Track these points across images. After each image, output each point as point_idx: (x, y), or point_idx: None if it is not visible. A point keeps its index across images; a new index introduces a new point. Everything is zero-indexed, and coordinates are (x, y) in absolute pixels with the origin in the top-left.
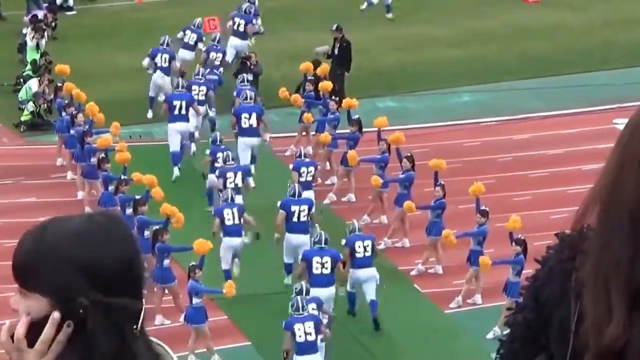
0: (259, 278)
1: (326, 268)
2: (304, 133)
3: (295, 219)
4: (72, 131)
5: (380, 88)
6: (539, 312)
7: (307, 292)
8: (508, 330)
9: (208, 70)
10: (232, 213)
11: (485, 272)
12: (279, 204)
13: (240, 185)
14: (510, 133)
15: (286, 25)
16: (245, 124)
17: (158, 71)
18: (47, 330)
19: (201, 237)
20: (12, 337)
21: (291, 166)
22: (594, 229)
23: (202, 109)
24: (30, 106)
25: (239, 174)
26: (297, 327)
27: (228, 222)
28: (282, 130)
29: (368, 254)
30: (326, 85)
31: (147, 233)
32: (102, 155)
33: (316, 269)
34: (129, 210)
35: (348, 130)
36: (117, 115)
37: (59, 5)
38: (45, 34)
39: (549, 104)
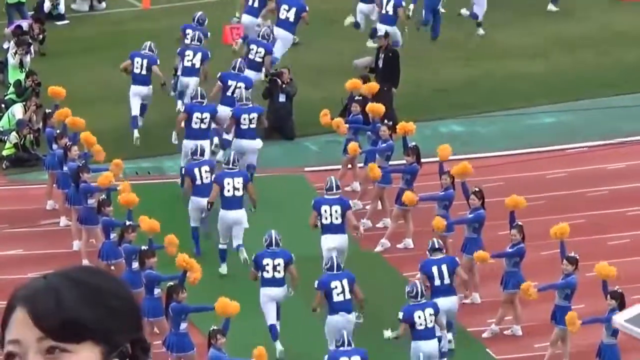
0: (295, 345)
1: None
2: (349, 166)
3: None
4: (65, 167)
5: (443, 108)
6: None
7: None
8: None
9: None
10: (141, 63)
11: (574, 333)
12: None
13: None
14: (604, 161)
15: (327, 33)
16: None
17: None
18: None
19: (223, 295)
20: None
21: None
22: None
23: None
24: (14, 137)
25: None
26: (227, 181)
27: (137, 70)
28: (322, 163)
29: None
30: (377, 107)
31: (157, 291)
32: (103, 196)
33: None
34: (135, 264)
35: (404, 162)
36: (119, 147)
37: (47, 14)
38: (31, 48)
39: None
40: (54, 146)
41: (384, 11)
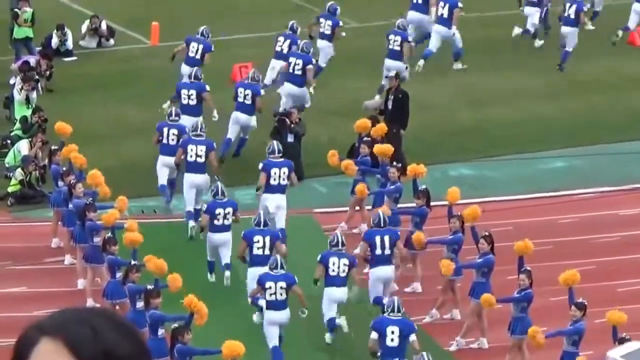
0: None
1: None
2: (357, 208)
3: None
4: (70, 205)
5: (452, 152)
6: None
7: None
8: None
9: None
10: (197, 47)
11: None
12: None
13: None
14: (615, 207)
15: (335, 73)
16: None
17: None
18: None
19: (230, 338)
20: None
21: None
22: None
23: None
24: (19, 174)
25: None
26: (190, 147)
27: (191, 54)
28: (330, 204)
29: None
30: (384, 149)
31: (161, 332)
32: (109, 234)
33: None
34: (140, 304)
35: (413, 205)
36: (126, 185)
37: (55, 50)
38: (38, 85)
39: None
40: (60, 183)
41: (565, 14)
